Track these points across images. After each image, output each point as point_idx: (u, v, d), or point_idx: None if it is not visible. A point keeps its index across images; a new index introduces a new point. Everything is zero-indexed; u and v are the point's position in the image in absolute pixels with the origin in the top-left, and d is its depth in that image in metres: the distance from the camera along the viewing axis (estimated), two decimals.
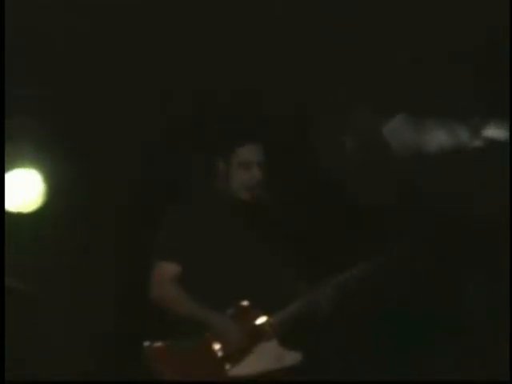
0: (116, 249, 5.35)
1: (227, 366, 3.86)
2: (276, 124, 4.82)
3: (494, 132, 5.12)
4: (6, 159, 5.13)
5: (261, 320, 3.95)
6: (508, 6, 4.48)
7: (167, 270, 3.97)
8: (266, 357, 3.94)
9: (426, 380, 5.03)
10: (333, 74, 4.72)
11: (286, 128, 4.88)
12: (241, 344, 3.88)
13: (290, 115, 4.85)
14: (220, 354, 3.86)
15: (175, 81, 4.90)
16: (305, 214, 4.26)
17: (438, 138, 4.89)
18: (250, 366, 3.92)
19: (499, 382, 4.91)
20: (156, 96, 5.01)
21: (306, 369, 4.09)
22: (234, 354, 3.88)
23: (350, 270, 4.07)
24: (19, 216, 5.25)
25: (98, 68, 4.86)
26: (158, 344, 3.93)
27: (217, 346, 3.87)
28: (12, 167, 5.23)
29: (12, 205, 5.25)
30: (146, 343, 3.91)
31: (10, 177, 5.24)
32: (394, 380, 4.88)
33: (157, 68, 4.83)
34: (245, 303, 3.91)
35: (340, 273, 4.05)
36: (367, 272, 4.08)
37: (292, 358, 3.95)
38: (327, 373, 4.60)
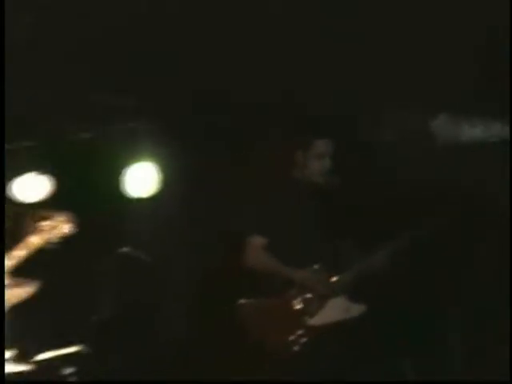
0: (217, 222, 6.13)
1: (306, 318, 4.68)
2: (342, 122, 5.48)
3: None
4: (128, 156, 5.93)
5: (330, 280, 4.75)
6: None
7: (259, 241, 4.78)
8: (337, 309, 4.73)
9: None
10: (391, 77, 5.32)
11: (349, 125, 5.55)
12: (317, 299, 4.68)
13: (353, 114, 5.53)
14: (300, 308, 4.68)
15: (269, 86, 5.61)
16: (364, 195, 5.07)
17: (474, 132, 5.40)
18: (324, 317, 4.71)
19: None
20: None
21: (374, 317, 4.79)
22: (312, 308, 4.70)
23: (396, 240, 4.79)
24: (140, 200, 6.25)
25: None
26: (248, 302, 4.77)
27: (297, 302, 4.69)
28: (134, 162, 6.24)
29: (135, 192, 6.27)
30: (240, 301, 4.76)
31: (134, 169, 6.24)
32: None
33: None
34: (317, 266, 4.71)
35: (390, 242, 4.80)
36: (409, 243, 4.82)
37: (357, 309, 4.74)
38: (392, 322, 5.19)
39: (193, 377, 5.81)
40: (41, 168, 6.33)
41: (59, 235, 4.74)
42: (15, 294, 4.88)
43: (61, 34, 5.32)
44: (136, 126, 6.11)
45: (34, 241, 4.70)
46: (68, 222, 4.78)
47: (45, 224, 4.75)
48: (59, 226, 4.76)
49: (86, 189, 6.42)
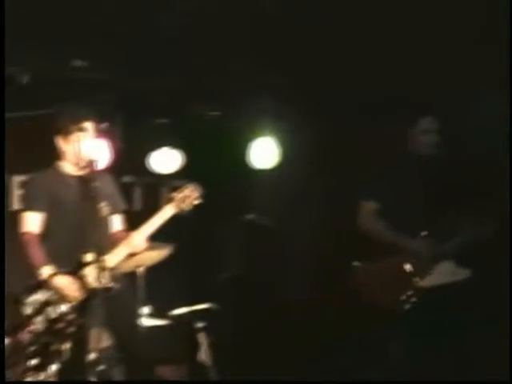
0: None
1: (416, 280, 4.97)
2: (444, 99, 5.64)
3: None
4: (252, 131, 6.27)
5: (437, 246, 5.01)
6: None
7: (372, 207, 5.14)
8: (444, 273, 5.02)
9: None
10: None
11: (451, 103, 5.67)
12: (426, 263, 4.97)
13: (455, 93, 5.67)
14: (410, 270, 4.99)
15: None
16: (465, 166, 5.28)
17: None
18: (432, 279, 5.00)
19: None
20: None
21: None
22: (421, 271, 5.00)
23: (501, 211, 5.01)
24: (263, 171, 6.63)
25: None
26: (363, 264, 5.11)
27: (407, 265, 5.00)
28: (257, 137, 6.62)
29: (258, 164, 6.65)
30: (354, 263, 5.11)
31: (257, 144, 6.63)
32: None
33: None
34: (424, 233, 5.00)
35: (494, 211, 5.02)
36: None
37: (463, 273, 5.00)
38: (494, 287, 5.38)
39: (312, 334, 6.16)
40: (174, 143, 6.71)
41: (191, 203, 4.92)
42: (152, 256, 5.26)
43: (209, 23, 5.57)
44: (259, 105, 6.40)
45: (169, 208, 4.88)
46: (198, 191, 4.96)
47: (178, 193, 4.92)
48: (191, 196, 4.93)
49: (214, 161, 6.77)
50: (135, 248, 4.91)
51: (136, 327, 5.22)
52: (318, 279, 6.50)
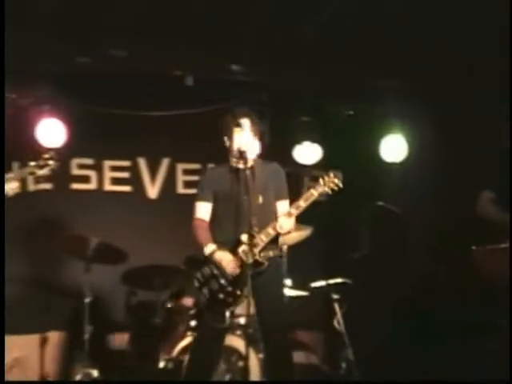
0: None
1: None
2: None
3: None
4: (383, 129, 6.50)
5: None
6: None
7: (489, 196, 5.36)
8: None
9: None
10: None
11: None
12: None
13: None
14: None
15: None
16: None
17: None
18: None
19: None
20: None
21: None
22: None
23: None
24: (392, 164, 6.99)
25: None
26: (480, 247, 5.28)
27: None
28: (387, 134, 6.96)
29: (388, 157, 6.98)
30: (473, 247, 5.31)
31: (387, 140, 6.96)
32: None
33: None
34: None
35: None
36: None
37: None
38: None
39: (432, 307, 6.38)
40: (315, 138, 7.17)
41: (333, 188, 5.07)
42: (294, 237, 5.59)
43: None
44: (389, 105, 6.77)
45: (314, 191, 5.04)
46: (339, 177, 5.10)
47: (322, 178, 5.07)
48: (333, 181, 5.05)
49: (349, 154, 7.19)
50: (284, 229, 5.05)
51: (280, 297, 5.37)
52: (440, 259, 6.67)
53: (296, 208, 5.05)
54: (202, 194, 5.31)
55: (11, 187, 4.93)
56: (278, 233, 5.10)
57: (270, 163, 5.38)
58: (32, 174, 5.11)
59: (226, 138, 5.24)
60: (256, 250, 4.92)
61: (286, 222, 5.05)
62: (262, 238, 5.04)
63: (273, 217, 5.16)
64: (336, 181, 5.11)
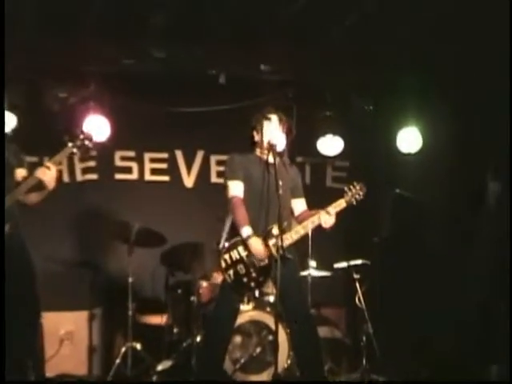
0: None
1: None
2: None
3: None
4: (400, 122, 6.60)
5: None
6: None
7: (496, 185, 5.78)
8: None
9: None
10: None
11: None
12: None
13: None
14: None
15: None
16: None
17: None
18: None
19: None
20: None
21: None
22: None
23: None
24: (408, 155, 7.09)
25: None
26: None
27: None
28: (404, 126, 7.08)
29: (405, 148, 7.09)
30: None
31: (404, 132, 7.06)
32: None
33: None
34: None
35: None
36: None
37: None
38: None
39: (447, 284, 6.52)
40: (337, 131, 7.37)
41: (359, 199, 5.20)
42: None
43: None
44: (406, 100, 6.94)
45: (343, 201, 5.15)
46: (364, 189, 5.21)
47: (350, 190, 5.18)
48: (360, 192, 5.18)
49: (368, 146, 7.44)
50: (328, 224, 5.14)
51: (299, 280, 5.43)
52: (453, 240, 6.78)
53: (334, 207, 5.19)
54: (234, 173, 5.28)
55: (21, 175, 4.99)
56: (306, 232, 5.24)
57: (291, 165, 5.49)
58: (72, 154, 5.10)
59: (255, 133, 5.35)
60: (284, 246, 4.92)
61: (328, 218, 5.16)
62: (292, 236, 5.16)
63: (289, 213, 5.30)
64: (363, 192, 5.26)
